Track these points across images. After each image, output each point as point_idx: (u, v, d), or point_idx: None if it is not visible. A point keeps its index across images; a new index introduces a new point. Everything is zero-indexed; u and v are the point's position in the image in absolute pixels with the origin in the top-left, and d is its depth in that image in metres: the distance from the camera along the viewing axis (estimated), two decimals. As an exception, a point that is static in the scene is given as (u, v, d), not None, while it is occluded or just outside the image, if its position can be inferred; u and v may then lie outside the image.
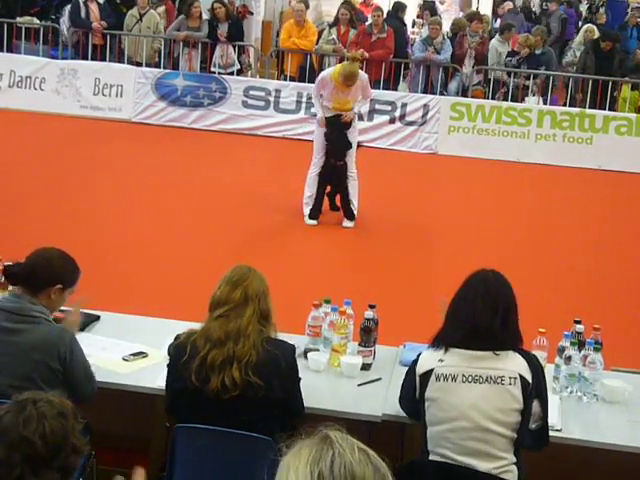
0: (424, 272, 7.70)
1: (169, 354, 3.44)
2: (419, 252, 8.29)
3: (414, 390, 3.32)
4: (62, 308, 3.74)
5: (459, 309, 3.31)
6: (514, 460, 3.21)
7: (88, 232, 7.97)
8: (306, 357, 3.95)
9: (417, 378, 3.29)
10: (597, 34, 13.91)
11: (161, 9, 14.14)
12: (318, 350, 4.06)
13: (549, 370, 3.90)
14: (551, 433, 3.49)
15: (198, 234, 8.21)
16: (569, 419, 3.62)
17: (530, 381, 3.21)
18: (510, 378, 3.19)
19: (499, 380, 3.18)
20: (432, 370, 3.24)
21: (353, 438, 1.85)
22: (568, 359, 3.81)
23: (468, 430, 3.17)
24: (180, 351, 3.34)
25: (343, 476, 1.76)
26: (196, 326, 3.42)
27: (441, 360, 3.25)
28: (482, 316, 3.24)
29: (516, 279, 7.96)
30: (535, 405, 3.26)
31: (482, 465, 3.15)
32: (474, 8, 19.30)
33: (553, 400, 3.75)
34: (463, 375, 3.20)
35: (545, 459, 3.70)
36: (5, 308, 3.42)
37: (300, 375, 3.47)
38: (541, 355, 3.85)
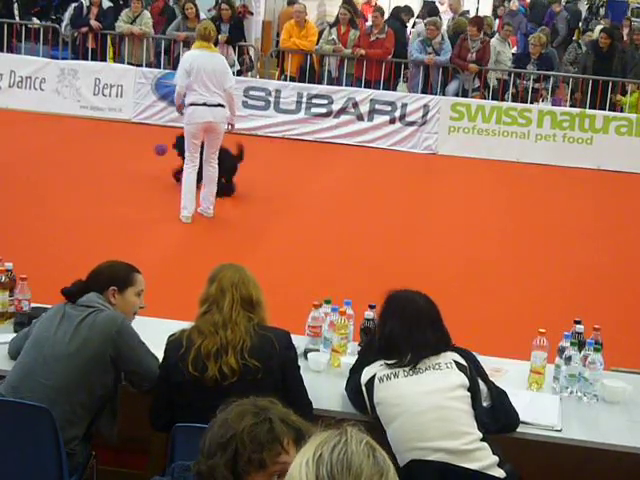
0: (424, 271, 7.69)
1: (165, 351, 3.47)
2: (419, 252, 8.28)
3: (365, 404, 3.41)
4: None
5: (391, 335, 3.44)
6: (480, 435, 3.25)
7: (88, 232, 7.97)
8: (306, 357, 3.95)
9: (363, 389, 3.40)
10: (597, 34, 13.92)
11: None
12: (318, 350, 4.06)
13: (549, 370, 3.91)
14: (551, 433, 3.51)
15: (198, 234, 8.21)
16: (569, 419, 3.62)
17: (466, 364, 3.38)
18: (445, 364, 3.37)
19: (437, 367, 3.36)
20: (374, 375, 3.38)
21: (368, 436, 1.89)
22: (568, 359, 3.81)
23: (424, 413, 3.25)
24: (176, 345, 3.41)
25: (340, 461, 1.81)
26: (187, 325, 3.47)
27: (381, 365, 3.39)
28: (415, 334, 3.40)
29: (516, 279, 8.01)
30: (481, 384, 3.40)
31: (450, 444, 3.19)
32: (474, 9, 19.33)
33: (553, 400, 3.76)
34: (404, 371, 3.35)
35: (545, 459, 3.71)
36: (77, 302, 3.63)
37: (300, 374, 3.50)
38: (541, 355, 3.86)
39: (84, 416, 3.49)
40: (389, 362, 3.39)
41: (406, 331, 3.42)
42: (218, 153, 8.68)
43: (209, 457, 2.19)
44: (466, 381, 3.33)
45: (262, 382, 3.31)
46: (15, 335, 3.88)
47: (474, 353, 3.63)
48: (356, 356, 3.95)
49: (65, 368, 3.44)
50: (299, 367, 3.51)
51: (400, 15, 14.45)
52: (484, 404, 3.38)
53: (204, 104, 8.23)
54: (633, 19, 20.03)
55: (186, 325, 3.50)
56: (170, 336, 3.50)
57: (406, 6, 15.05)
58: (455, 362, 3.37)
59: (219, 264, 3.59)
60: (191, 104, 8.27)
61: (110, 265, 3.79)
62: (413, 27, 17.10)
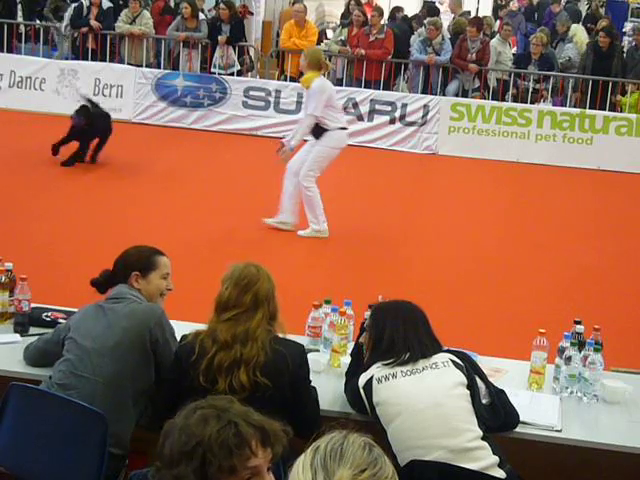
0: (424, 272, 7.70)
1: (176, 353, 3.43)
2: (419, 252, 8.29)
3: (364, 407, 3.41)
4: None
5: (388, 336, 3.45)
6: (480, 433, 3.25)
7: (88, 231, 7.98)
8: (306, 357, 3.95)
9: (362, 392, 3.40)
10: (575, 35, 14.01)
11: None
12: (318, 351, 4.07)
13: (549, 370, 3.91)
14: (551, 433, 3.52)
15: (198, 234, 8.21)
16: (569, 419, 3.62)
17: (462, 363, 3.40)
18: (442, 362, 3.39)
19: (434, 366, 3.37)
20: (372, 377, 3.38)
21: (371, 439, 1.91)
22: (568, 359, 3.81)
23: (424, 411, 3.25)
24: (188, 350, 3.34)
25: (334, 450, 1.85)
26: (201, 327, 3.42)
27: (378, 367, 3.40)
28: (411, 334, 3.43)
29: (516, 279, 8.02)
30: (479, 381, 3.40)
31: (451, 441, 3.20)
32: (474, 9, 19.32)
33: (553, 400, 3.76)
34: (401, 371, 3.36)
35: (545, 459, 3.71)
36: (107, 295, 3.68)
37: (311, 389, 3.48)
38: (541, 355, 3.86)
39: (132, 414, 3.48)
40: (386, 362, 3.39)
41: (402, 331, 3.44)
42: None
43: (172, 466, 2.12)
44: (464, 379, 3.34)
45: (271, 399, 3.24)
46: (35, 340, 3.84)
47: (473, 353, 3.63)
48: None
49: (108, 360, 3.44)
50: (310, 382, 3.47)
51: (411, 22, 14.48)
52: (483, 401, 3.39)
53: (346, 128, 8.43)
54: (632, 19, 20.05)
55: (196, 326, 3.45)
56: (182, 338, 3.44)
57: (416, 15, 15.07)
58: (452, 361, 3.39)
59: (246, 265, 3.46)
60: (341, 128, 8.23)
61: (133, 250, 3.79)
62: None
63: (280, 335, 3.43)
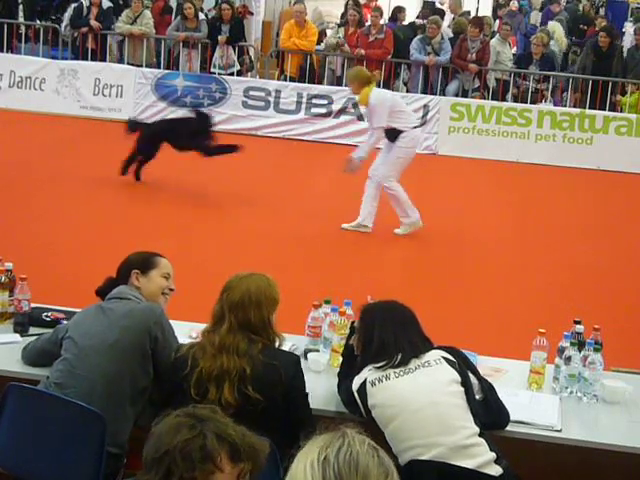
0: (423, 272, 7.70)
1: (172, 365, 3.43)
2: (418, 252, 8.28)
3: (359, 410, 3.41)
4: None
5: (379, 338, 3.45)
6: (477, 430, 3.25)
7: (88, 231, 7.98)
8: (306, 357, 3.95)
9: (356, 395, 3.40)
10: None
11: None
12: (318, 350, 4.06)
13: (549, 370, 3.91)
14: (551, 433, 3.51)
15: (197, 235, 8.21)
16: (569, 419, 3.62)
17: (454, 359, 3.40)
18: (434, 360, 3.39)
19: (426, 364, 3.38)
20: (365, 380, 3.38)
21: (369, 438, 1.90)
22: (568, 359, 3.81)
23: (419, 411, 3.25)
24: (182, 362, 3.36)
25: (347, 462, 1.82)
26: (200, 327, 3.43)
27: (370, 370, 3.40)
28: (402, 335, 3.43)
29: (516, 279, 8.01)
30: (472, 377, 3.40)
31: (448, 439, 3.20)
32: (474, 9, 19.31)
33: (553, 400, 3.76)
34: (394, 372, 3.36)
35: (545, 459, 3.71)
36: (108, 295, 3.69)
37: (306, 401, 3.45)
38: (541, 355, 3.86)
39: (130, 414, 3.48)
40: (378, 365, 3.38)
41: (392, 332, 3.44)
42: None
43: (146, 471, 2.12)
44: (457, 376, 3.34)
45: (264, 412, 3.24)
46: (34, 340, 3.85)
47: (473, 353, 3.63)
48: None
49: (106, 359, 3.44)
50: (306, 395, 3.44)
51: (417, 29, 14.48)
52: (477, 397, 3.39)
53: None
54: (632, 19, 20.04)
55: (194, 325, 3.45)
56: (177, 349, 3.45)
57: (423, 24, 15.11)
58: (444, 358, 3.39)
59: (236, 274, 3.51)
60: (415, 127, 8.38)
61: (133, 254, 3.84)
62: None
63: (275, 344, 3.44)
